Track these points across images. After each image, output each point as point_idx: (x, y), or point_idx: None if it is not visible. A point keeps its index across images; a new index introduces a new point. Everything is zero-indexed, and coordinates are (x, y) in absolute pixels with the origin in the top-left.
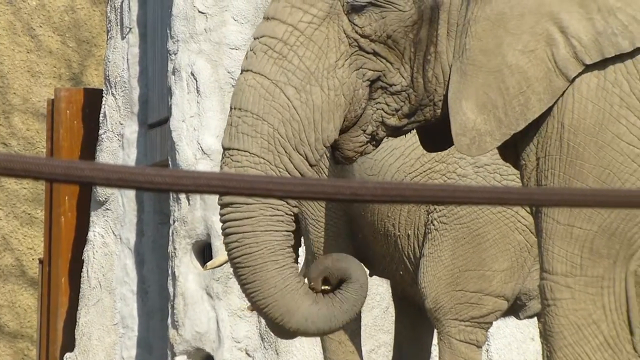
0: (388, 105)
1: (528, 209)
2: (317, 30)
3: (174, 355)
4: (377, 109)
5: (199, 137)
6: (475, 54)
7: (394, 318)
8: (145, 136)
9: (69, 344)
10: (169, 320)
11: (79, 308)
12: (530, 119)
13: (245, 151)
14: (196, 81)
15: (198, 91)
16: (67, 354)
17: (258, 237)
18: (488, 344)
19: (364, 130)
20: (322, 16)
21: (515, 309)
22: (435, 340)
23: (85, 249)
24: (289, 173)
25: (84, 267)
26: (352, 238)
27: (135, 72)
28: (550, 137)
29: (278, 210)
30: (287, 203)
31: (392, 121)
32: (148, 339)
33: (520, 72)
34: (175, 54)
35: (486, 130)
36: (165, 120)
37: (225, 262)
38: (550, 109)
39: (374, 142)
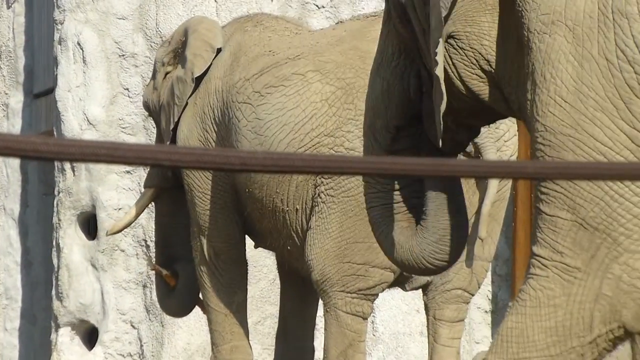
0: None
1: None
2: (384, 25)
3: (57, 326)
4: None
5: (85, 108)
6: None
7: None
8: (30, 106)
9: None
10: (53, 292)
11: None
12: None
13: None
14: (82, 51)
15: (84, 61)
16: None
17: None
18: (374, 316)
19: (435, 120)
20: (388, 11)
21: (401, 280)
22: (320, 312)
23: None
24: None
25: None
26: (238, 212)
27: (21, 42)
28: None
29: (373, 187)
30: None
31: (443, 106)
32: (32, 310)
33: None
34: (61, 24)
35: None
36: (51, 90)
37: (125, 228)
38: None
39: (457, 135)
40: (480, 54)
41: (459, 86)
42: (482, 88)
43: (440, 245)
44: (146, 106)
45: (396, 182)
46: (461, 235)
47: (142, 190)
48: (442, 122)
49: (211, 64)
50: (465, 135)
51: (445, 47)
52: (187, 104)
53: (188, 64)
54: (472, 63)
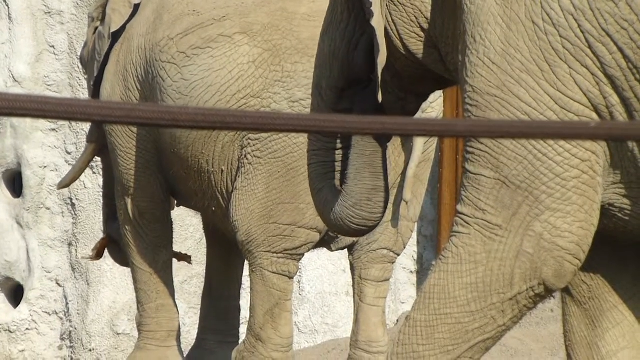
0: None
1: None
2: None
3: None
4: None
5: (10, 65)
6: None
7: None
8: None
9: None
10: None
11: None
12: None
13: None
14: (8, 7)
15: (10, 18)
16: None
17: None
18: (300, 275)
19: (377, 75)
20: None
21: (327, 241)
22: (246, 272)
23: None
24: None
25: None
26: (161, 171)
27: None
28: None
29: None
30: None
31: (381, 59)
32: None
33: None
34: None
35: None
36: None
37: (72, 183)
38: None
39: (407, 105)
40: (420, 11)
41: (398, 45)
42: (420, 47)
43: (357, 210)
44: (81, 62)
45: (338, 141)
46: (380, 200)
47: (67, 148)
48: (380, 78)
49: (131, 19)
50: (415, 105)
51: (386, 4)
52: (109, 60)
53: (107, 19)
54: (411, 20)
